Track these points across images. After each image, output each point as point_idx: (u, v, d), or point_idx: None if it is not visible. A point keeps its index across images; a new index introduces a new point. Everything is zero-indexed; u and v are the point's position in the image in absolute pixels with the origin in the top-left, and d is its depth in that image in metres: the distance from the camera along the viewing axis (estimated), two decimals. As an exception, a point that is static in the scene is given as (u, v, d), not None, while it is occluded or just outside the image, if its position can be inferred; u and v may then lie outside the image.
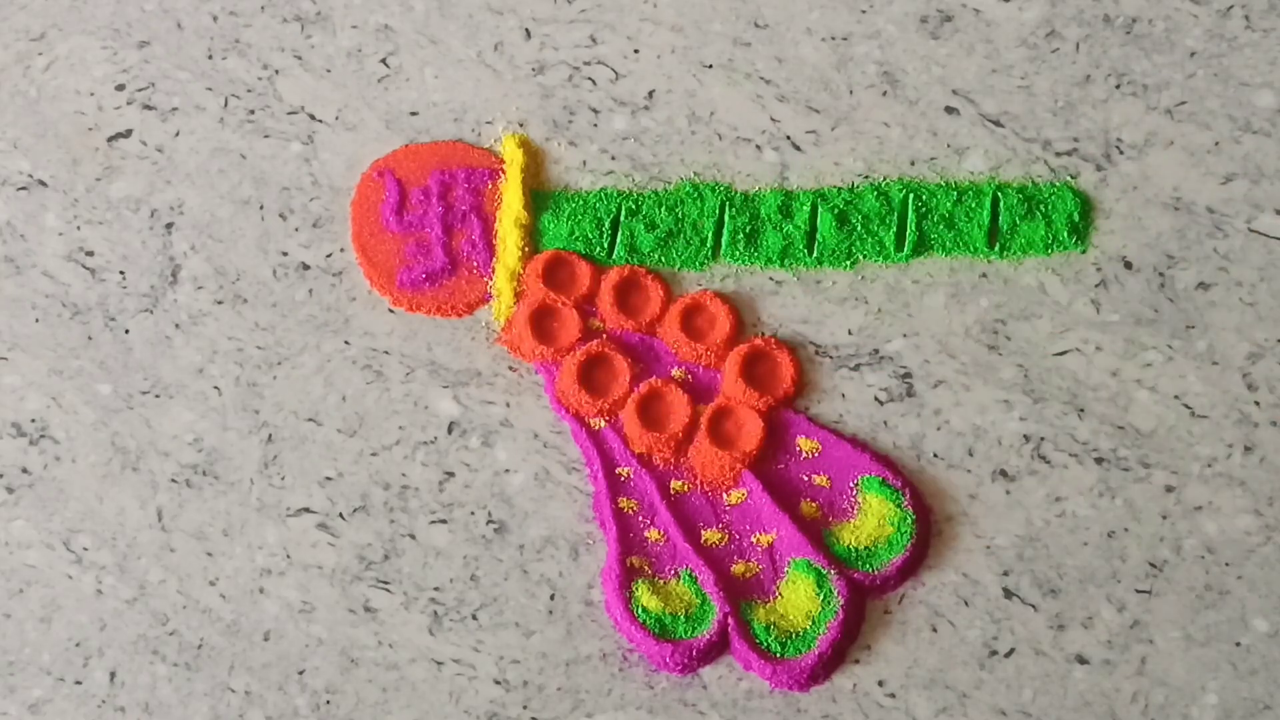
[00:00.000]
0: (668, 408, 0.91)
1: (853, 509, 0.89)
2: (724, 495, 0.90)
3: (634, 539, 0.89)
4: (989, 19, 0.97)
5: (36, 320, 0.93)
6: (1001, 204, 0.93)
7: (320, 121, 0.96)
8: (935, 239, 0.93)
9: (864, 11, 0.97)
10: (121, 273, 0.94)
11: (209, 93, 0.97)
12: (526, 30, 0.97)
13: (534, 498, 0.90)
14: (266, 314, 0.93)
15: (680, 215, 0.94)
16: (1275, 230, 0.93)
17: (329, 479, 0.91)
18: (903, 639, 0.88)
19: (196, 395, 0.92)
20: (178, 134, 0.96)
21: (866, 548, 0.88)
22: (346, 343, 0.93)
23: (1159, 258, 0.93)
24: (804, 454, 0.90)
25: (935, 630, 0.88)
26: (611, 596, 0.88)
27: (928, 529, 0.89)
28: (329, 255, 0.94)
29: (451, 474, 0.90)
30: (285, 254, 0.94)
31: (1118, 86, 0.95)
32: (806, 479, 0.90)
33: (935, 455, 0.90)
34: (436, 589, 0.89)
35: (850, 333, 0.92)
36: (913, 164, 0.95)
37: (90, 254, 0.95)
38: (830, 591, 0.87)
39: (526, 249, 0.94)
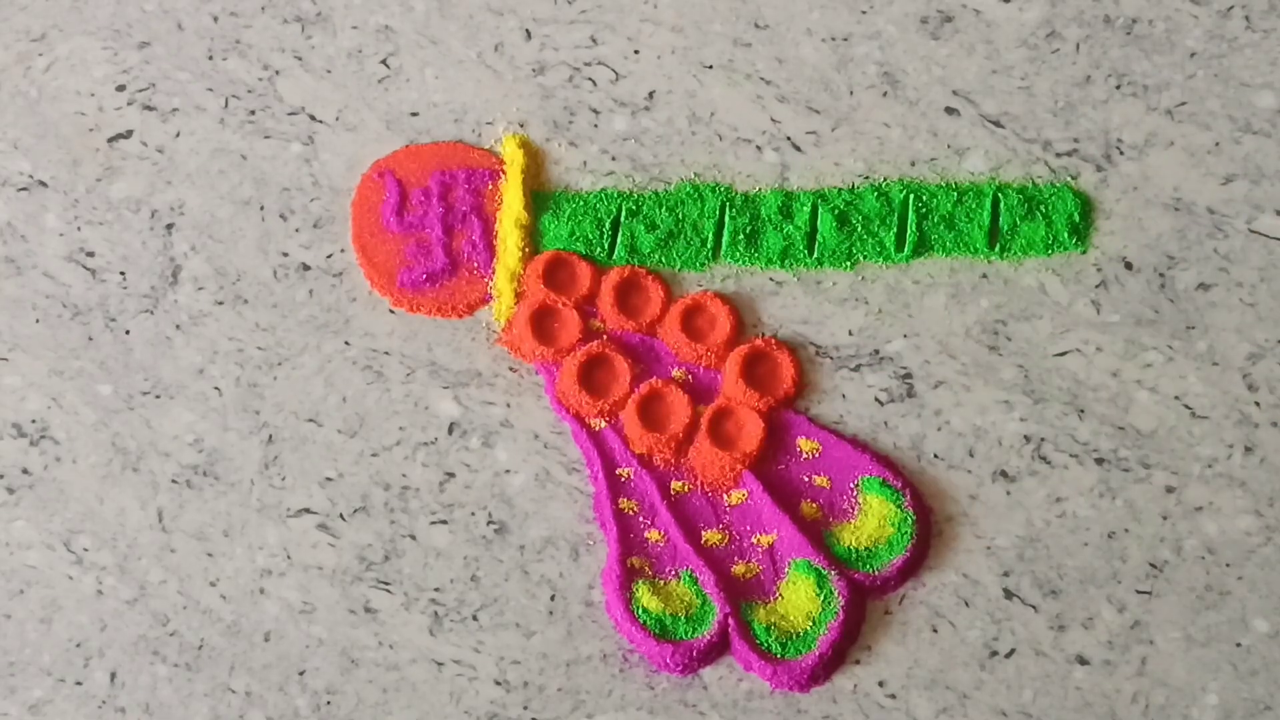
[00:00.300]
0: (668, 408, 0.91)
1: (853, 510, 0.89)
2: (724, 496, 0.90)
3: (634, 539, 0.89)
4: (989, 19, 0.97)
5: (37, 321, 0.93)
6: (1002, 204, 0.93)
7: (321, 122, 0.96)
8: (936, 239, 0.93)
9: (864, 12, 0.97)
10: (122, 273, 0.94)
11: (209, 93, 0.97)
12: (527, 31, 0.97)
13: (534, 498, 0.90)
14: (267, 314, 0.93)
15: (681, 216, 0.94)
16: (1275, 231, 0.93)
17: (329, 479, 0.91)
18: (903, 639, 0.88)
19: (197, 396, 0.92)
20: (178, 135, 0.96)
21: (867, 548, 0.88)
22: (347, 343, 0.93)
23: (1159, 258, 0.93)
24: (804, 455, 0.90)
25: (936, 631, 0.88)
26: (612, 597, 0.88)
27: (928, 529, 0.89)
28: (329, 256, 0.94)
29: (452, 475, 0.90)
30: (286, 254, 0.94)
31: (1118, 87, 0.95)
32: (807, 480, 0.90)
33: (936, 456, 0.90)
34: (437, 589, 0.89)
35: (851, 333, 0.92)
36: (913, 164, 0.95)
37: (91, 255, 0.95)
38: (831, 592, 0.87)
39: (527, 249, 0.94)
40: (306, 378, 0.92)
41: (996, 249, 0.93)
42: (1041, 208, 0.93)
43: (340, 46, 0.97)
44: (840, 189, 0.94)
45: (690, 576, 0.88)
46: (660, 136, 0.95)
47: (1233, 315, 0.91)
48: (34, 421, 0.92)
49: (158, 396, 0.92)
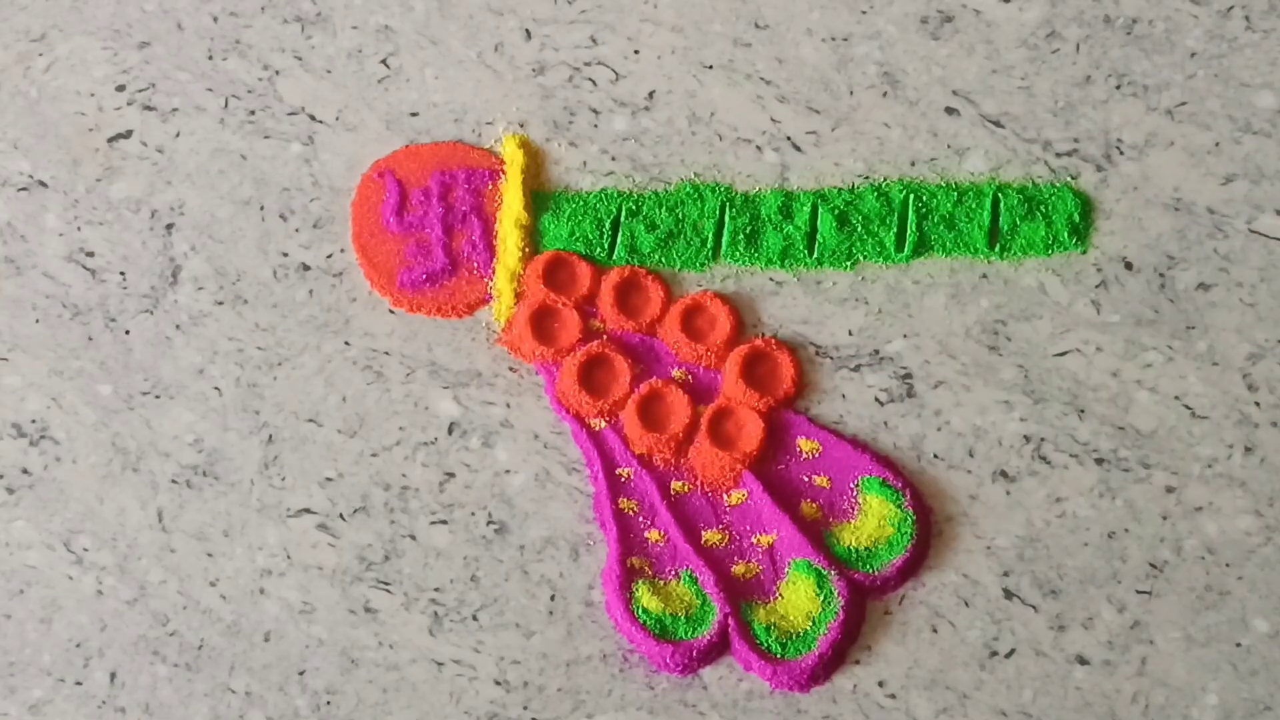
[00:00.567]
0: (668, 408, 0.91)
1: (853, 510, 0.89)
2: (724, 496, 0.90)
3: (634, 540, 0.89)
4: (989, 19, 0.97)
5: (37, 321, 0.93)
6: (1002, 204, 0.93)
7: (320, 122, 0.96)
8: (935, 239, 0.93)
9: (864, 12, 0.97)
10: (122, 273, 0.94)
11: (209, 93, 0.97)
12: (527, 31, 0.97)
13: (534, 498, 0.90)
14: (267, 315, 0.93)
15: (680, 216, 0.94)
16: (1275, 231, 0.93)
17: (329, 480, 0.91)
18: (903, 640, 0.88)
19: (197, 396, 0.92)
20: (178, 135, 0.96)
21: (867, 548, 0.88)
22: (347, 343, 0.93)
23: (1159, 258, 0.93)
24: (804, 455, 0.90)
25: (935, 631, 0.88)
26: (612, 597, 0.88)
27: (928, 530, 0.89)
28: (329, 256, 0.94)
29: (452, 475, 0.90)
30: (286, 255, 0.94)
31: (1118, 87, 0.95)
32: (807, 480, 0.90)
33: (935, 456, 0.90)
34: (437, 589, 0.89)
35: (851, 333, 0.92)
36: (913, 164, 0.95)
37: (91, 255, 0.95)
38: (831, 592, 0.87)
39: (527, 249, 0.94)
40: (306, 378, 0.92)
41: (996, 249, 0.93)
42: (1041, 208, 0.93)
43: (340, 46, 0.97)
44: (840, 189, 0.94)
45: (690, 576, 0.88)
46: (660, 136, 0.95)
47: (1233, 315, 0.91)
48: (34, 421, 0.92)
49: (158, 396, 0.92)
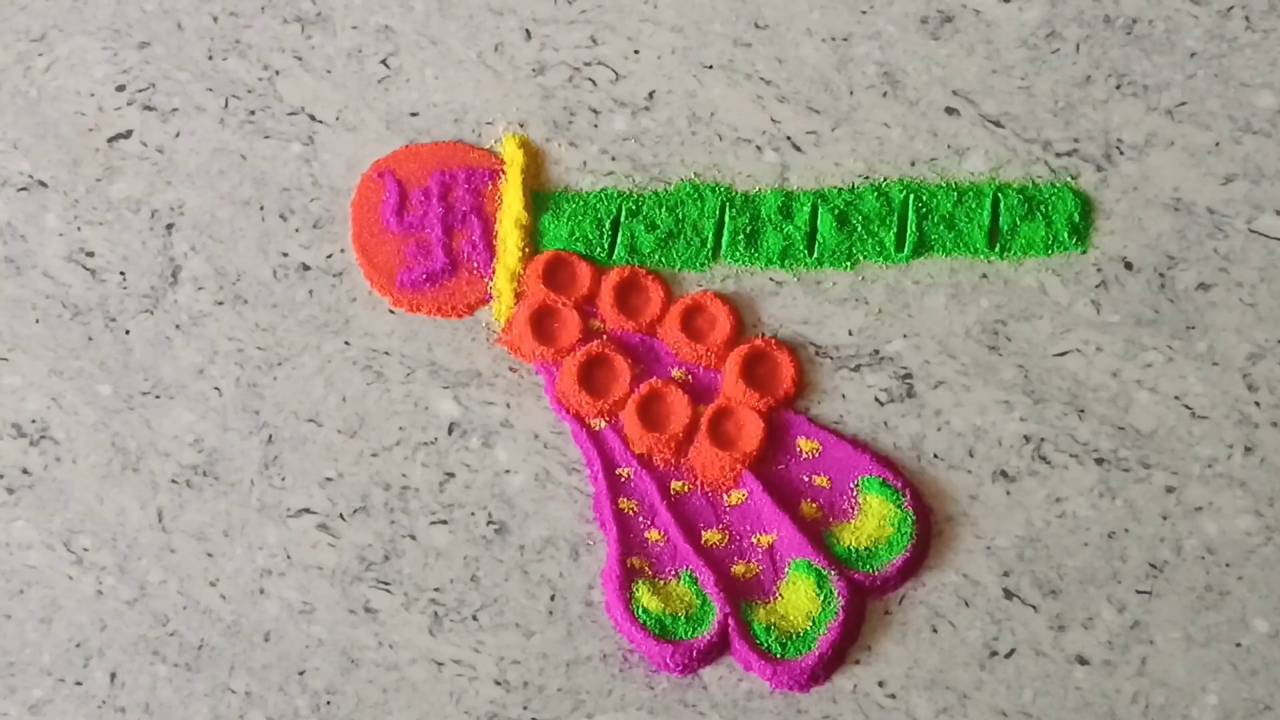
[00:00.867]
0: (668, 408, 0.91)
1: (853, 510, 0.89)
2: (724, 496, 0.90)
3: (634, 540, 0.89)
4: (989, 19, 0.97)
5: (37, 321, 0.93)
6: (1002, 204, 0.93)
7: (320, 122, 0.96)
8: (935, 239, 0.93)
9: (864, 12, 0.97)
10: (122, 273, 0.94)
11: (209, 93, 0.97)
12: (527, 31, 0.97)
13: (534, 498, 0.90)
14: (267, 315, 0.93)
15: (680, 216, 0.94)
16: (1275, 231, 0.93)
17: (329, 480, 0.91)
18: (903, 640, 0.88)
19: (197, 396, 0.92)
20: (178, 135, 0.96)
21: (867, 548, 0.88)
22: (347, 343, 0.93)
23: (1159, 258, 0.93)
24: (804, 455, 0.90)
25: (935, 631, 0.88)
26: (612, 597, 0.88)
27: (928, 530, 0.89)
28: (329, 256, 0.94)
29: (452, 475, 0.90)
30: (285, 255, 0.94)
31: (1118, 87, 0.95)
32: (807, 480, 0.90)
33: (935, 456, 0.90)
34: (437, 589, 0.89)
35: (850, 333, 0.92)
36: (913, 164, 0.95)
37: (90, 255, 0.95)
38: (830, 592, 0.87)
39: (527, 249, 0.94)
40: (306, 378, 0.92)
41: (996, 249, 0.93)
42: (1041, 208, 0.93)
43: (340, 46, 0.97)
44: (840, 189, 0.94)
45: (690, 576, 0.88)
46: (660, 136, 0.95)
47: (1233, 315, 0.91)
48: (34, 421, 0.92)
49: (158, 396, 0.92)
